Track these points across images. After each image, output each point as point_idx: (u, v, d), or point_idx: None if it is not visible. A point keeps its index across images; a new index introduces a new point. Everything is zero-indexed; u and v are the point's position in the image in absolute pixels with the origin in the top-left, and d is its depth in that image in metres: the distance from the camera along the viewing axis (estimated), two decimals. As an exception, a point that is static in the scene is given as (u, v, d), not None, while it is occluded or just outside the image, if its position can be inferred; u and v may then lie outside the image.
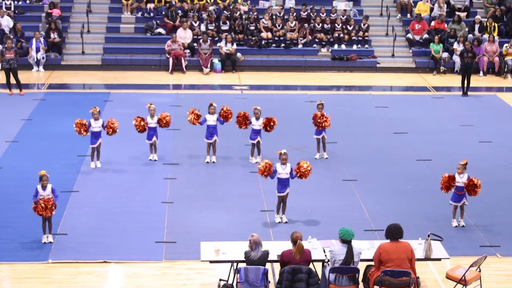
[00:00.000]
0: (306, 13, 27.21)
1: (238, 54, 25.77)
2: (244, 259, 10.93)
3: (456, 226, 13.79)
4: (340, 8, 27.94)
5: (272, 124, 16.65)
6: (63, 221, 13.61)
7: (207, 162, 16.78)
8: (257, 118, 16.56)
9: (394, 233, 10.79)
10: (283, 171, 13.58)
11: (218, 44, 25.73)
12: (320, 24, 26.80)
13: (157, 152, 16.83)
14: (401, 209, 14.54)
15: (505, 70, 25.60)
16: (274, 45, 26.51)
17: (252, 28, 26.56)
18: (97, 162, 16.22)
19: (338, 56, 26.13)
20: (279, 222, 13.74)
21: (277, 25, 26.65)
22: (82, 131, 16.12)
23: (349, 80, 24.94)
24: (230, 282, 11.29)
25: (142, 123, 16.54)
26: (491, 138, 18.91)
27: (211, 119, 16.60)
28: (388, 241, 10.86)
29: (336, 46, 26.56)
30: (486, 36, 26.32)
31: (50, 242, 12.85)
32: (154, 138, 16.66)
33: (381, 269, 10.69)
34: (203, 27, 26.57)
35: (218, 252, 11.27)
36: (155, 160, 16.76)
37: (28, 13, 27.55)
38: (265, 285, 10.72)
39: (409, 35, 26.86)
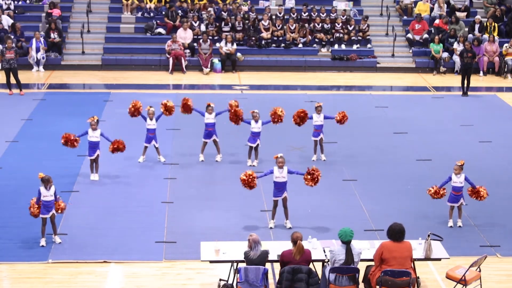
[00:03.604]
0: (306, 13, 27.21)
1: (238, 54, 25.77)
2: (244, 259, 10.93)
3: (451, 227, 13.77)
4: (340, 8, 27.94)
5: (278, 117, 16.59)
6: (63, 221, 13.61)
7: (202, 160, 16.81)
8: (256, 121, 16.51)
9: (397, 235, 10.77)
10: (280, 174, 13.47)
11: (218, 44, 25.74)
12: (320, 24, 26.81)
13: (160, 153, 16.79)
14: (401, 209, 14.54)
15: (505, 70, 25.60)
16: (274, 45, 26.51)
17: (252, 28, 26.55)
18: (95, 175, 15.69)
19: (338, 56, 26.14)
20: (271, 228, 13.65)
21: (276, 25, 26.65)
22: (69, 144, 15.47)
23: (349, 80, 24.95)
24: (230, 282, 11.29)
25: (138, 105, 16.26)
26: (491, 138, 18.91)
27: (210, 117, 16.58)
28: (389, 240, 10.86)
29: (336, 46, 26.57)
30: (486, 36, 26.33)
31: (59, 242, 12.85)
32: (153, 142, 16.60)
33: (382, 267, 10.69)
34: (203, 27, 26.57)
35: (218, 252, 11.27)
36: (163, 161, 16.70)
37: (28, 13, 27.55)
38: (265, 285, 10.72)
39: (409, 35, 26.86)
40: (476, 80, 24.88)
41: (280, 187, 13.49)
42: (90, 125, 15.58)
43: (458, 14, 27.50)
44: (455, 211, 13.81)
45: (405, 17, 28.16)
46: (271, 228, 13.62)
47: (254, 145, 16.60)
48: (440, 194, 13.76)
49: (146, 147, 16.66)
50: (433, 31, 26.71)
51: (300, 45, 26.49)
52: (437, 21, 27.02)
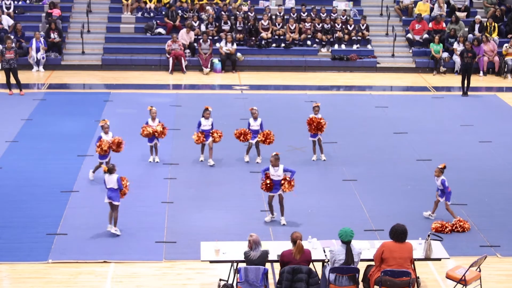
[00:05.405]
0: (306, 13, 27.21)
1: (238, 54, 25.77)
2: (244, 259, 10.93)
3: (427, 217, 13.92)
4: (340, 8, 27.95)
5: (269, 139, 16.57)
6: (63, 221, 13.60)
7: (201, 160, 16.81)
8: (255, 119, 16.51)
9: (400, 235, 10.77)
10: (275, 173, 13.50)
11: (218, 44, 25.74)
12: (320, 24, 26.80)
13: (158, 154, 16.78)
14: (401, 209, 14.53)
15: (505, 70, 25.60)
16: (274, 45, 26.50)
17: (252, 27, 26.55)
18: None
19: (338, 56, 26.14)
20: (267, 222, 13.72)
21: (276, 24, 26.65)
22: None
23: (349, 80, 24.95)
24: (230, 282, 11.29)
25: (149, 129, 16.34)
26: (491, 138, 18.90)
27: (207, 124, 16.55)
28: (391, 240, 10.85)
29: (336, 46, 26.57)
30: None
31: (118, 235, 13.02)
32: (155, 140, 16.61)
33: (382, 267, 10.69)
34: (203, 27, 26.57)
35: (218, 252, 11.28)
36: (156, 162, 16.72)
37: (28, 13, 27.55)
38: (265, 285, 10.72)
39: (409, 35, 26.86)
40: (476, 80, 24.87)
41: (275, 184, 13.54)
42: (102, 128, 15.49)
43: (458, 14, 27.50)
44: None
45: (405, 17, 28.16)
46: (265, 222, 13.63)
47: (253, 142, 16.60)
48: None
49: (151, 146, 16.67)
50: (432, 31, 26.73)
51: (301, 43, 26.47)
52: (430, 25, 26.94)
